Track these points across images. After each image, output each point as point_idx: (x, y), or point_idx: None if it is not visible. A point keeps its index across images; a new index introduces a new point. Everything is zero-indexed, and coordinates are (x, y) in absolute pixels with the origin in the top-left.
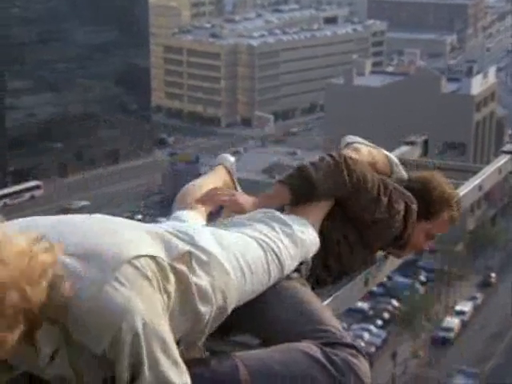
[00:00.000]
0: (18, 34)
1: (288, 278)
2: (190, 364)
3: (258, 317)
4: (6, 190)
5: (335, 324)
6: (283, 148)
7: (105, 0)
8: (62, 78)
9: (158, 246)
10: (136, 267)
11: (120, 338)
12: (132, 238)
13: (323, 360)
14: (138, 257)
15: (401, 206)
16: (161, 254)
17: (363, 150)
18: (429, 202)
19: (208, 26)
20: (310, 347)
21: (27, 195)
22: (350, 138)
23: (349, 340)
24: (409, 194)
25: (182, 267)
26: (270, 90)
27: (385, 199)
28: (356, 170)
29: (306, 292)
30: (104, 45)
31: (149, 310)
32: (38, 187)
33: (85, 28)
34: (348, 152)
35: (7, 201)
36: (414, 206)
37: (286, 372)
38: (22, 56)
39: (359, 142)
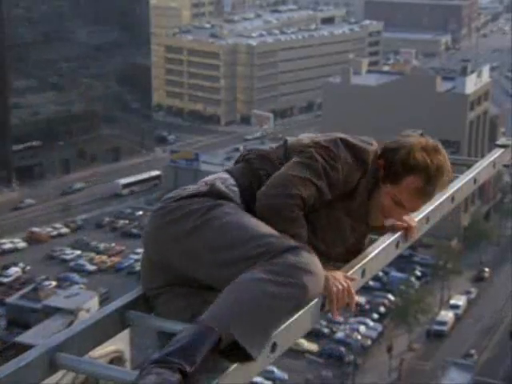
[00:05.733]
0: (22, 34)
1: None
2: None
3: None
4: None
5: (271, 234)
6: None
7: (107, 1)
8: (65, 77)
9: None
10: None
11: None
12: None
13: (270, 277)
14: None
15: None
16: None
17: (304, 140)
18: (391, 162)
19: (208, 26)
20: (252, 273)
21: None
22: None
23: (286, 244)
24: (365, 148)
25: None
26: (268, 88)
27: (320, 182)
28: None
29: (235, 216)
30: (106, 45)
31: None
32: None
33: (87, 28)
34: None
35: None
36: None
37: (247, 307)
38: (25, 55)
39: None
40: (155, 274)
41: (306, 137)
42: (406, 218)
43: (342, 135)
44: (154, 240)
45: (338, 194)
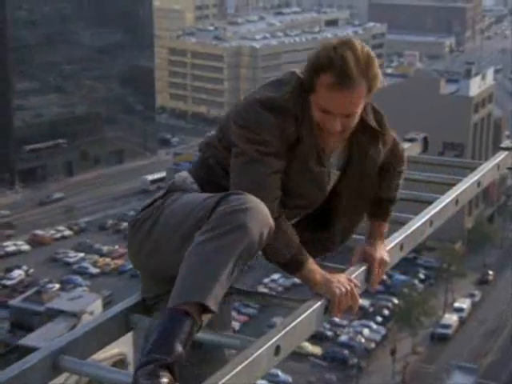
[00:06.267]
0: (25, 36)
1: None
2: None
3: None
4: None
5: (209, 196)
6: None
7: (110, 3)
8: (68, 79)
9: None
10: None
11: None
12: None
13: (208, 235)
14: None
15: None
16: None
17: None
18: (305, 71)
19: (211, 28)
20: (195, 241)
21: None
22: None
23: (217, 197)
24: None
25: None
26: None
27: (266, 168)
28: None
29: (183, 199)
30: (109, 47)
31: None
32: None
33: (90, 30)
34: None
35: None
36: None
37: (195, 272)
38: (28, 58)
39: None
40: (148, 284)
41: (230, 108)
42: (370, 249)
43: (258, 95)
44: (130, 256)
45: (288, 149)
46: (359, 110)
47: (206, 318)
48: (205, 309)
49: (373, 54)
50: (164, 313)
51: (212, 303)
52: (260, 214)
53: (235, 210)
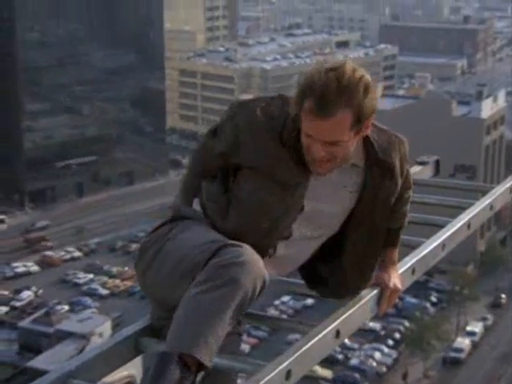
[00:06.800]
0: (36, 57)
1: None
2: None
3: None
4: None
5: (204, 242)
6: None
7: (121, 24)
8: (78, 101)
9: None
10: None
11: None
12: None
13: (201, 288)
14: None
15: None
16: None
17: None
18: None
19: (222, 49)
20: (189, 289)
21: None
22: None
23: (213, 247)
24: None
25: None
26: None
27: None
28: None
29: (181, 235)
30: (120, 68)
31: None
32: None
33: (101, 52)
34: None
35: None
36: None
37: (189, 322)
38: (39, 79)
39: None
40: (155, 308)
41: None
42: (382, 274)
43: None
44: (137, 278)
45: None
46: (347, 139)
47: (199, 373)
48: (200, 364)
49: (366, 79)
50: (159, 355)
51: (207, 360)
52: (254, 268)
53: (229, 263)
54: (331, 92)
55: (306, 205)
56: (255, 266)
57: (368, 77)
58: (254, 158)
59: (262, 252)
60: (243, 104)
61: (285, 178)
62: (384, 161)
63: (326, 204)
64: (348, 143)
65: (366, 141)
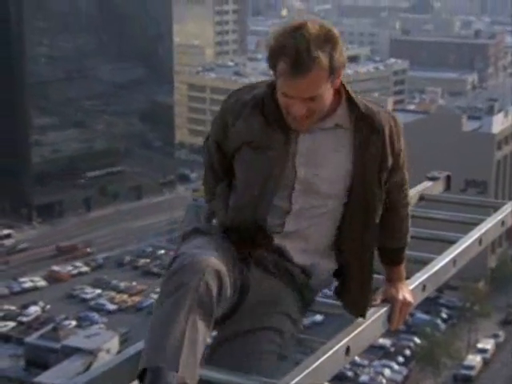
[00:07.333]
0: (45, 71)
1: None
2: None
3: None
4: None
5: (184, 251)
6: None
7: (130, 38)
8: (86, 115)
9: None
10: None
11: None
12: None
13: (160, 296)
14: None
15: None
16: None
17: None
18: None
19: (231, 64)
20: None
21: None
22: None
23: (172, 257)
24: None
25: None
26: None
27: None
28: None
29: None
30: (129, 82)
31: None
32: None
33: (110, 66)
34: None
35: None
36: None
37: (151, 333)
38: (48, 93)
39: None
40: None
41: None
42: (392, 290)
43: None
44: None
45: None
46: (324, 91)
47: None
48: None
49: (333, 32)
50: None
51: (170, 365)
52: (201, 265)
53: (176, 270)
54: (302, 50)
55: (299, 171)
56: (201, 264)
57: (334, 29)
58: (241, 135)
59: (269, 230)
60: (231, 93)
61: (271, 145)
62: (368, 115)
63: (320, 169)
64: (324, 95)
65: (352, 102)
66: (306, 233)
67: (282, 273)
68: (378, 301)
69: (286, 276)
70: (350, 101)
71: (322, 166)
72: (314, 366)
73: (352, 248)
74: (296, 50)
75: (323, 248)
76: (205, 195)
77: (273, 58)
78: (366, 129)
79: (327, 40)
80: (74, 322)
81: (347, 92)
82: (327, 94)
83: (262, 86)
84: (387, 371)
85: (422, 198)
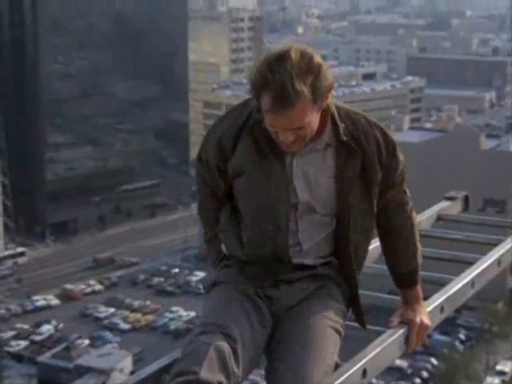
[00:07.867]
0: (60, 89)
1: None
2: None
3: None
4: None
5: (202, 322)
6: None
7: (145, 56)
8: (101, 133)
9: None
10: None
11: None
12: None
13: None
14: None
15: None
16: None
17: None
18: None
19: (246, 81)
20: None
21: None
22: None
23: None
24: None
25: None
26: None
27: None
28: None
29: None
30: (144, 100)
31: None
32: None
33: (125, 83)
34: None
35: None
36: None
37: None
38: (62, 110)
39: None
40: None
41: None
42: (409, 312)
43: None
44: None
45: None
46: (311, 119)
47: None
48: None
49: (315, 60)
50: None
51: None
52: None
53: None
54: (286, 85)
55: (299, 195)
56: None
57: (317, 56)
58: (238, 165)
59: (291, 255)
60: (222, 117)
61: (270, 175)
62: (349, 133)
63: (315, 189)
64: (312, 122)
65: (333, 121)
66: (313, 245)
67: (307, 278)
68: (395, 322)
69: (311, 277)
70: (333, 120)
71: (317, 186)
72: None
73: (345, 250)
74: (279, 86)
75: (325, 255)
76: (205, 225)
77: (256, 92)
78: (346, 148)
79: (309, 70)
80: (87, 341)
81: (332, 112)
82: (314, 119)
83: (252, 105)
84: None
85: (439, 218)
